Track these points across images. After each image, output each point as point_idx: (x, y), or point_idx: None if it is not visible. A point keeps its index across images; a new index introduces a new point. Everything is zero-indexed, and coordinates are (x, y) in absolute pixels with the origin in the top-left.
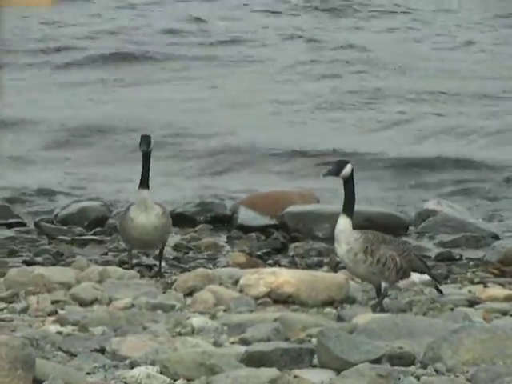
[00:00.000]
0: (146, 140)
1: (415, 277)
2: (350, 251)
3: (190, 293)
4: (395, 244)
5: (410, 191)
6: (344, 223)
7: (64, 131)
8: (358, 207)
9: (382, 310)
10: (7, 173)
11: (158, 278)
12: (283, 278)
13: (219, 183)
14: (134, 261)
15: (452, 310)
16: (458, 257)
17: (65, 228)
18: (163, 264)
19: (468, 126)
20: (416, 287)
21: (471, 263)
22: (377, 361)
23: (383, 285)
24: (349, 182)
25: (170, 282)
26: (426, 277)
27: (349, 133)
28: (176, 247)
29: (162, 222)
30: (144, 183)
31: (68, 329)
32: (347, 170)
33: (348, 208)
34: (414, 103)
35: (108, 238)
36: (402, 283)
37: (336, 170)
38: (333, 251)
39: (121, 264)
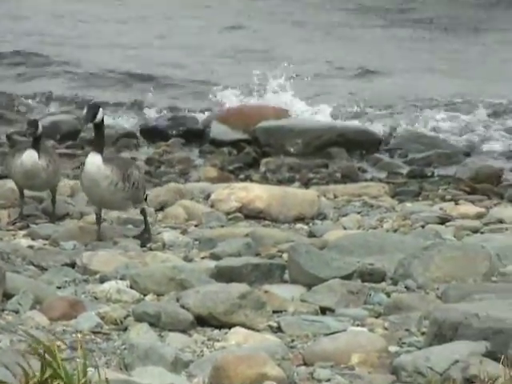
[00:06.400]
0: (32, 124)
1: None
2: (111, 184)
3: (161, 208)
4: (133, 164)
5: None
6: (98, 160)
7: None
8: (331, 122)
9: (148, 235)
10: None
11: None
12: (255, 193)
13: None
14: None
15: (423, 227)
16: (429, 174)
17: None
18: None
19: None
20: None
21: (442, 180)
22: (347, 277)
23: (140, 207)
24: (100, 125)
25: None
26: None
27: None
28: (148, 161)
29: (48, 172)
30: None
31: (39, 243)
32: (100, 114)
33: (99, 147)
34: None
35: (80, 152)
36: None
37: (91, 117)
38: (305, 167)
39: None
